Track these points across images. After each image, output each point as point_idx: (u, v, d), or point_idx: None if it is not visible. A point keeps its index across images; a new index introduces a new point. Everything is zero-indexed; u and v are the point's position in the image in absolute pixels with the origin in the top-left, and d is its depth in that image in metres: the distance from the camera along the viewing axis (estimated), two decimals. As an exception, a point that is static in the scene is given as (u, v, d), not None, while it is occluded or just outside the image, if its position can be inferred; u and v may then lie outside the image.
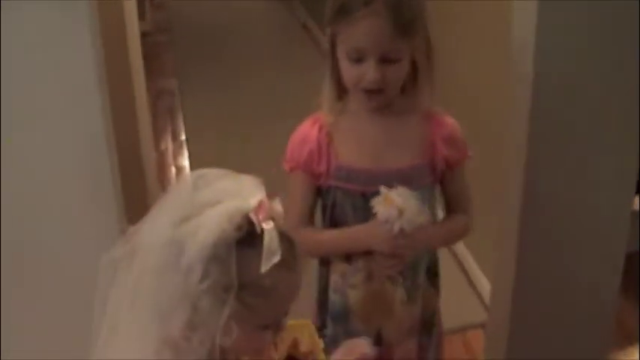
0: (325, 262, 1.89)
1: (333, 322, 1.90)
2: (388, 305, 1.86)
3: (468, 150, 1.86)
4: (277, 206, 1.31)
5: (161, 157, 4.25)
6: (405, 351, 1.94)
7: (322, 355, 1.56)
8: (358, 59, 1.67)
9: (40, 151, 1.81)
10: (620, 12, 2.00)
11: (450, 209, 1.90)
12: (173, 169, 4.18)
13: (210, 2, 6.75)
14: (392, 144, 1.79)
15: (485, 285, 2.95)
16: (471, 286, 3.07)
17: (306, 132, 1.79)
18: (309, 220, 1.84)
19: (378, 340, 1.86)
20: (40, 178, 1.82)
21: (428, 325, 1.97)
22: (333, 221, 1.83)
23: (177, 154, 4.35)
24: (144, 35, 5.72)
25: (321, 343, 1.57)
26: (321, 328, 1.90)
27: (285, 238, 1.28)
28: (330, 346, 1.82)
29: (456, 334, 2.80)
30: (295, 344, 1.54)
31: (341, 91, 1.79)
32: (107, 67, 1.96)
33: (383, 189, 1.69)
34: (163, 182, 4.01)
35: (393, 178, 1.73)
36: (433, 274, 1.95)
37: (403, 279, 1.85)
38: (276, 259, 1.23)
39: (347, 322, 1.88)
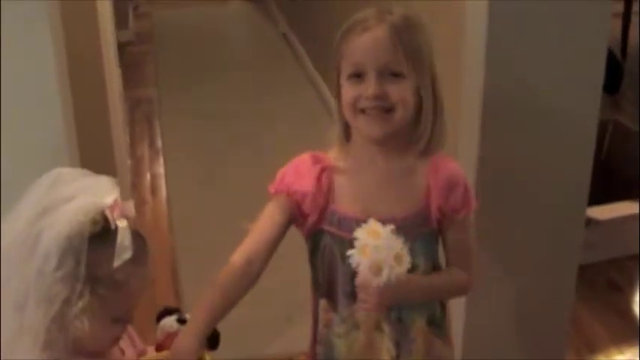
0: (315, 313, 1.80)
1: None
2: (377, 356, 1.73)
3: (473, 202, 1.72)
4: (130, 208, 1.39)
5: (137, 163, 4.28)
6: None
7: None
8: (358, 75, 1.60)
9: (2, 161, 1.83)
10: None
11: (448, 262, 1.76)
12: (148, 176, 4.22)
13: (192, 12, 6.82)
14: (387, 192, 1.68)
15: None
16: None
17: (306, 165, 1.68)
18: (265, 256, 1.66)
19: None
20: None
21: None
22: (325, 265, 1.72)
23: (153, 160, 4.39)
24: (126, 44, 5.80)
25: None
26: None
27: (137, 236, 1.36)
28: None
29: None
30: None
31: (348, 135, 1.71)
32: (78, 75, 2.00)
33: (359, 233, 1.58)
34: (138, 187, 4.06)
35: None
36: (437, 325, 1.78)
37: (391, 331, 1.72)
38: (128, 255, 1.31)
39: None
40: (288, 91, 5.03)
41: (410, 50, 1.59)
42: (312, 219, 1.68)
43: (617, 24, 3.96)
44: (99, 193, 1.34)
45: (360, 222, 1.60)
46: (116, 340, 1.44)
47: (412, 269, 1.62)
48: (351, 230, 1.61)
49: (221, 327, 1.67)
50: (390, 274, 1.54)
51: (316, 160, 1.69)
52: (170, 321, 1.69)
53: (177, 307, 1.76)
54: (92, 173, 1.39)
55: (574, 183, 2.30)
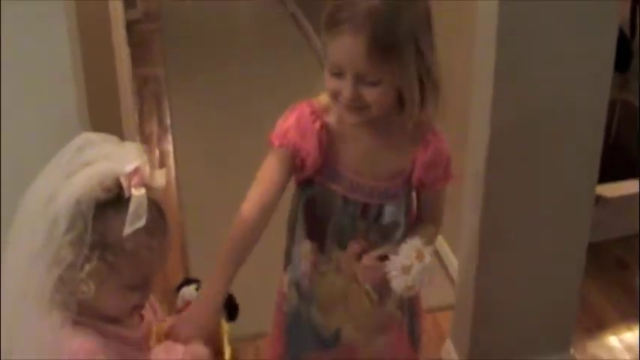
0: (293, 240, 1.88)
1: (299, 297, 1.90)
2: (353, 304, 1.84)
3: (451, 176, 1.81)
4: (160, 178, 1.38)
5: (146, 140, 4.29)
6: (371, 352, 1.94)
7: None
8: (338, 74, 1.62)
9: (12, 140, 1.84)
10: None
11: (419, 216, 1.86)
12: (157, 152, 4.23)
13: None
14: (376, 158, 1.76)
15: (456, 266, 3.00)
16: (443, 268, 3.11)
17: (308, 122, 1.73)
18: (275, 204, 1.73)
19: (336, 339, 1.88)
20: (12, 166, 1.84)
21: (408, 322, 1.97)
22: (311, 215, 1.81)
23: (161, 138, 4.40)
24: (134, 23, 5.78)
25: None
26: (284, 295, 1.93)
27: (154, 207, 1.35)
28: (288, 319, 1.89)
29: (427, 314, 2.84)
30: None
31: None
32: (89, 54, 2.00)
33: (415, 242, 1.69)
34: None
35: (370, 192, 1.76)
36: None
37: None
38: (140, 224, 1.29)
39: (310, 306, 1.89)
40: (296, 70, 5.02)
41: (387, 56, 1.57)
42: (309, 173, 1.75)
43: (626, 4, 3.97)
44: (121, 159, 1.33)
45: (353, 182, 1.74)
46: (136, 309, 1.44)
47: (394, 226, 1.80)
48: (344, 185, 1.74)
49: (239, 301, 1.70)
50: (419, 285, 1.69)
51: (315, 116, 1.73)
52: (189, 290, 1.72)
53: (198, 279, 1.78)
54: (119, 140, 1.38)
55: (584, 161, 2.31)
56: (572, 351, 2.72)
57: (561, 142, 2.23)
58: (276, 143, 1.73)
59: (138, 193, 1.31)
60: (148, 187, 1.34)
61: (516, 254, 2.37)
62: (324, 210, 1.79)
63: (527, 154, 2.23)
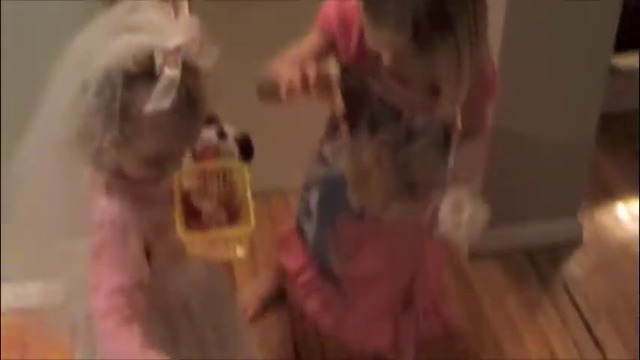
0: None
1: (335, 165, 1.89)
2: (377, 185, 1.81)
3: (494, 91, 1.78)
4: (211, 54, 1.31)
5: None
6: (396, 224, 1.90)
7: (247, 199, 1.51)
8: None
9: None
10: None
11: (464, 133, 1.78)
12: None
13: None
14: (412, 66, 1.64)
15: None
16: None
17: (352, 17, 1.65)
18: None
19: (361, 213, 1.87)
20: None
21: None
22: (348, 101, 1.73)
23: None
24: None
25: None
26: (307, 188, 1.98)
27: (188, 91, 1.28)
28: (324, 185, 1.93)
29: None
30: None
31: None
32: None
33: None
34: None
35: (404, 98, 1.72)
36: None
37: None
38: (164, 106, 1.24)
39: (335, 189, 1.87)
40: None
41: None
42: (348, 63, 1.71)
43: None
44: (165, 33, 1.26)
45: (389, 85, 1.69)
46: (160, 179, 1.43)
47: (424, 134, 1.76)
48: (380, 87, 1.70)
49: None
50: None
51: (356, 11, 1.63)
52: (210, 133, 1.68)
53: (216, 116, 1.73)
54: (172, 10, 1.33)
55: (599, 29, 2.30)
56: (580, 217, 2.79)
57: (577, 9, 2.22)
58: (320, 27, 1.70)
59: (171, 73, 1.24)
60: (190, 67, 1.28)
61: (529, 121, 2.40)
62: (360, 102, 1.76)
63: (543, 20, 2.22)
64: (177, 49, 1.25)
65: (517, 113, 2.34)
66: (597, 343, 2.44)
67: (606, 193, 3.01)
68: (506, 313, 2.52)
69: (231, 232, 1.46)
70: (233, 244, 1.46)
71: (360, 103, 1.76)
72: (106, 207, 1.39)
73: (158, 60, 1.24)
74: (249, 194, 1.47)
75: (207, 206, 1.50)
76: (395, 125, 1.77)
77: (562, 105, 2.37)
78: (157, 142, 1.31)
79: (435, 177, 1.82)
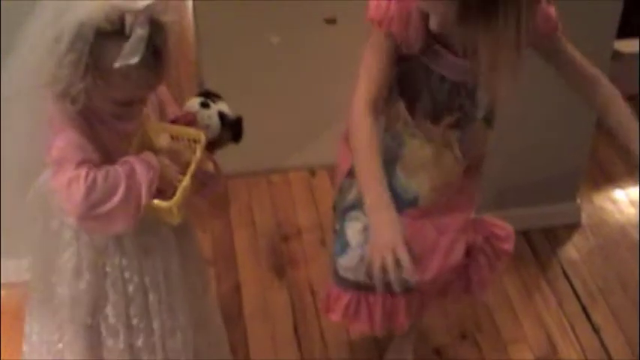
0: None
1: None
2: (443, 168, 1.83)
3: (555, 24, 1.76)
4: (172, 12, 1.42)
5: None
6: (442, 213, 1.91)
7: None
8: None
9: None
10: None
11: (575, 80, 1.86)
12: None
13: None
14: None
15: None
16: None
17: (409, 13, 1.62)
18: (382, 98, 1.68)
19: (414, 201, 1.85)
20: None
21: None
22: (404, 88, 1.75)
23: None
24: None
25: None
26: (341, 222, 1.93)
27: (156, 48, 1.40)
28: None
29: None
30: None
31: None
32: None
33: None
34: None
35: (467, 71, 1.68)
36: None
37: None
38: (133, 61, 1.35)
39: (394, 164, 1.83)
40: None
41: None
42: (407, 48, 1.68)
43: None
44: None
45: (452, 61, 1.67)
46: (126, 117, 1.54)
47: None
48: (442, 65, 1.68)
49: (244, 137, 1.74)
50: None
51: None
52: (195, 101, 1.72)
53: (217, 93, 1.76)
54: None
55: (603, 14, 2.31)
56: (578, 200, 2.80)
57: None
58: (380, 29, 1.64)
59: (141, 32, 1.35)
60: (157, 24, 1.38)
61: (529, 104, 2.39)
62: (419, 86, 1.74)
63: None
64: (147, 9, 1.36)
65: (517, 97, 2.34)
66: (593, 325, 2.46)
67: (605, 176, 3.03)
68: (503, 295, 2.54)
69: (185, 131, 1.61)
70: (194, 146, 1.59)
71: (421, 89, 1.74)
72: (65, 135, 1.47)
73: (129, 20, 1.35)
74: (197, 154, 1.58)
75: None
76: (459, 101, 1.76)
77: (562, 89, 2.37)
78: (125, 89, 1.44)
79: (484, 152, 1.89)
